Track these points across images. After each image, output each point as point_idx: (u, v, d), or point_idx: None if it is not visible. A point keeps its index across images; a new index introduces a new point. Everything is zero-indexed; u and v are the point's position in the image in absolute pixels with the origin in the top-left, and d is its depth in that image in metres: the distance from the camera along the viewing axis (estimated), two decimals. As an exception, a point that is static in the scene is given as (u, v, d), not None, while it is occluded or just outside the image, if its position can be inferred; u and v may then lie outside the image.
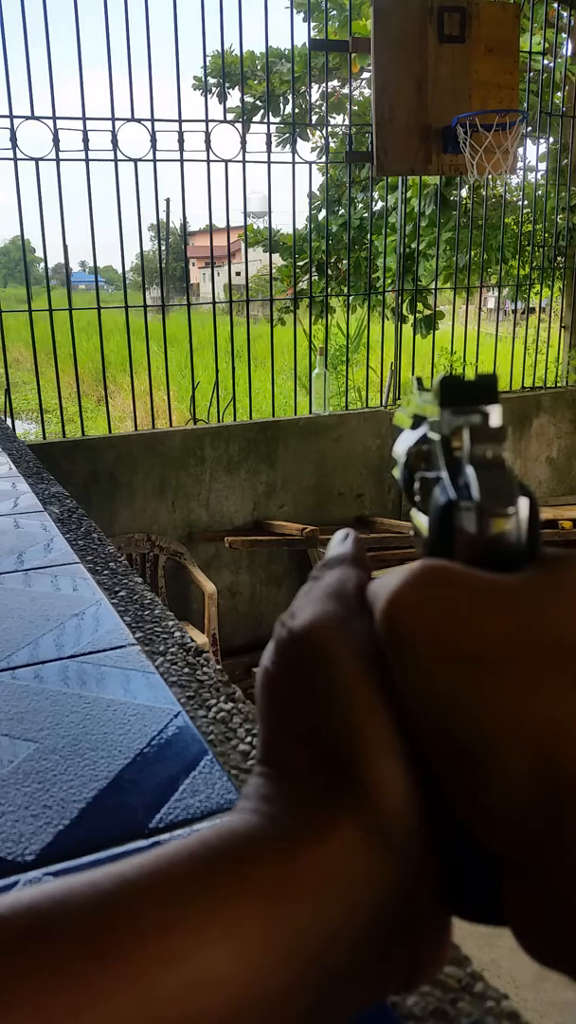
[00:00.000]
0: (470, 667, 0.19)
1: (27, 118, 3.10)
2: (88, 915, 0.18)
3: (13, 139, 3.10)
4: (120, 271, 3.43)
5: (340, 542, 0.28)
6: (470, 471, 0.23)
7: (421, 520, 0.25)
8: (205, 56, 3.51)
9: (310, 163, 3.75)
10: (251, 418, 3.79)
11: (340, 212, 4.79)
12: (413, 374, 4.19)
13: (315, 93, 4.52)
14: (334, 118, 5.06)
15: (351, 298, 4.27)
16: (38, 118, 3.11)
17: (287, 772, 0.22)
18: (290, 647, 0.23)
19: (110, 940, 0.18)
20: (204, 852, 0.20)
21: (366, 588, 0.24)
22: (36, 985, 0.17)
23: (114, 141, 3.23)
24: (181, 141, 3.33)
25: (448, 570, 0.21)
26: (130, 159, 3.27)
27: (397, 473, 0.28)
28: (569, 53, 4.55)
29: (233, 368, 3.71)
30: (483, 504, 0.22)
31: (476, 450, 0.23)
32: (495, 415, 0.24)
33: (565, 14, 4.42)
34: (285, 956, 0.19)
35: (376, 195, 4.54)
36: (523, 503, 0.22)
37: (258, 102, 4.90)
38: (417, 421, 0.28)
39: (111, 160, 3.23)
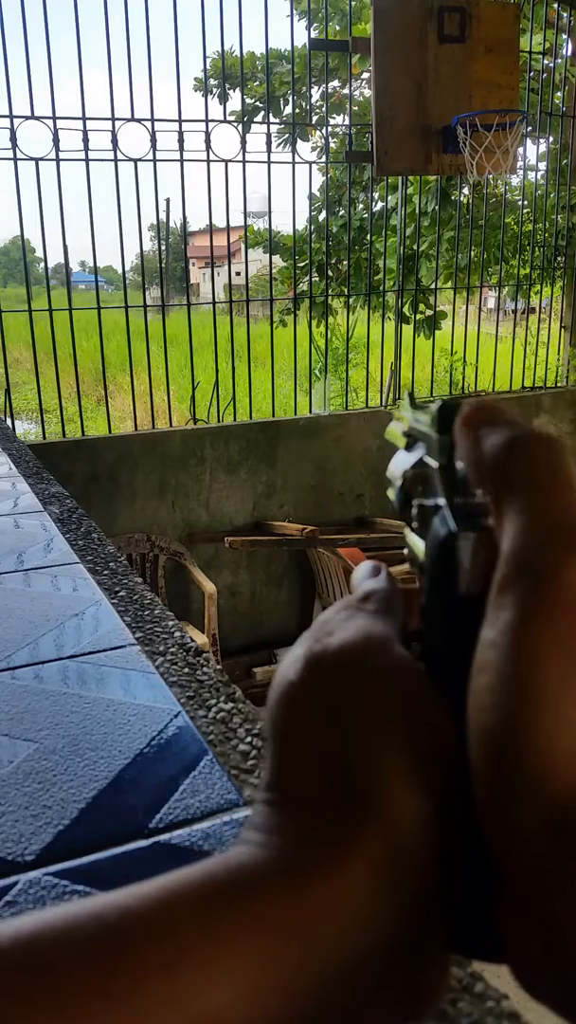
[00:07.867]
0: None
1: (27, 118, 3.10)
2: (92, 950, 0.18)
3: (13, 139, 3.10)
4: (120, 271, 3.43)
5: (369, 576, 0.28)
6: (470, 501, 0.23)
7: (417, 543, 0.25)
8: (205, 56, 3.51)
9: (310, 163, 3.75)
10: (251, 418, 3.79)
11: (340, 213, 4.78)
12: (412, 379, 4.19)
13: (315, 94, 4.51)
14: (334, 118, 5.06)
15: (351, 299, 4.27)
16: (38, 118, 3.11)
17: (296, 797, 0.22)
18: (323, 663, 0.23)
19: (114, 977, 0.18)
20: (210, 887, 0.20)
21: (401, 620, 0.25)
22: (41, 1019, 0.17)
23: (114, 141, 3.23)
24: (181, 141, 3.33)
25: None
26: (130, 159, 3.27)
27: (392, 494, 0.27)
28: (569, 53, 4.55)
29: (233, 368, 3.71)
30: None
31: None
32: None
33: (565, 14, 4.42)
34: (288, 994, 0.19)
35: (376, 196, 4.54)
36: None
37: (258, 102, 4.89)
38: (411, 440, 0.27)
39: (111, 160, 3.23)
